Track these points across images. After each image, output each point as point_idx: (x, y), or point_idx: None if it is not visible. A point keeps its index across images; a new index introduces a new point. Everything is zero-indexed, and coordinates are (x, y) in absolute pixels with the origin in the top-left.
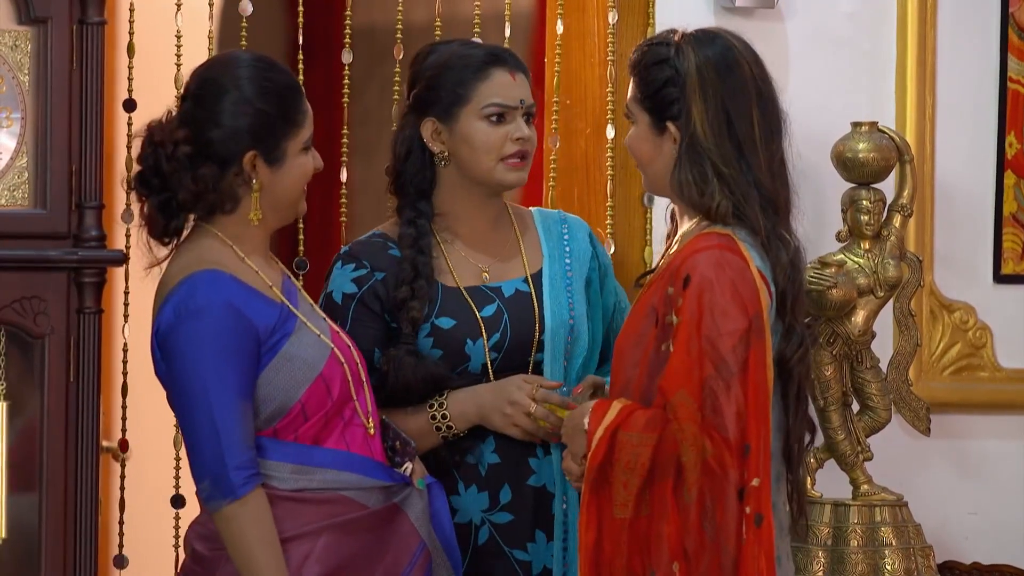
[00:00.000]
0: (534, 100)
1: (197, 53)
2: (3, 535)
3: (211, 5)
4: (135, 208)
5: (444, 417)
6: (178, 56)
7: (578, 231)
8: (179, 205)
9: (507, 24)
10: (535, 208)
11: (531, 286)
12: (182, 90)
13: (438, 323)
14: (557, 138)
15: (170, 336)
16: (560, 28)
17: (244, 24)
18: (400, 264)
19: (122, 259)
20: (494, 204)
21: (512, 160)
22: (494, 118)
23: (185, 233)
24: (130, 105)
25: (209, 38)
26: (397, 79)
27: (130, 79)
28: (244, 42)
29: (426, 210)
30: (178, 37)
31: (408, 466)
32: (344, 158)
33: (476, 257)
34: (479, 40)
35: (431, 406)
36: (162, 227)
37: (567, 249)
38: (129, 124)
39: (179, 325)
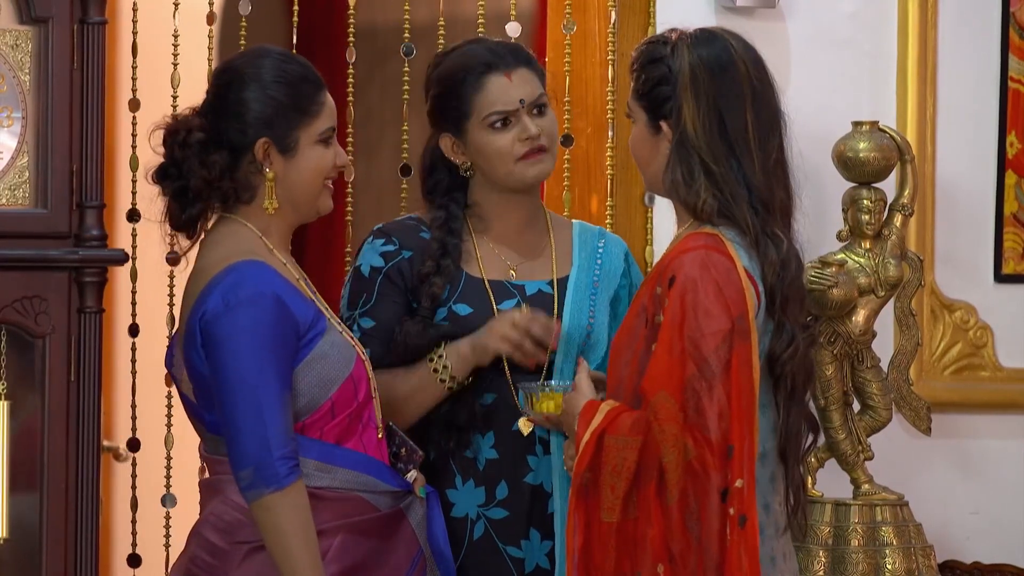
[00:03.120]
0: (543, 90)
1: (197, 53)
2: (4, 535)
3: (211, 4)
4: (152, 204)
5: (443, 366)
6: (175, 56)
7: (614, 247)
8: (193, 193)
9: (512, 22)
10: (577, 221)
11: (554, 289)
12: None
13: (455, 308)
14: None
15: (217, 323)
16: (573, 27)
17: (244, 24)
18: (429, 244)
19: (123, 259)
20: (527, 205)
21: (529, 156)
22: (498, 124)
23: (211, 224)
24: (135, 105)
25: (209, 37)
26: (407, 79)
27: (134, 79)
28: (243, 42)
29: (459, 198)
30: (175, 36)
31: (413, 473)
32: (351, 158)
33: (506, 254)
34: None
35: (431, 359)
36: (178, 216)
37: (599, 262)
38: (134, 124)
39: (227, 313)
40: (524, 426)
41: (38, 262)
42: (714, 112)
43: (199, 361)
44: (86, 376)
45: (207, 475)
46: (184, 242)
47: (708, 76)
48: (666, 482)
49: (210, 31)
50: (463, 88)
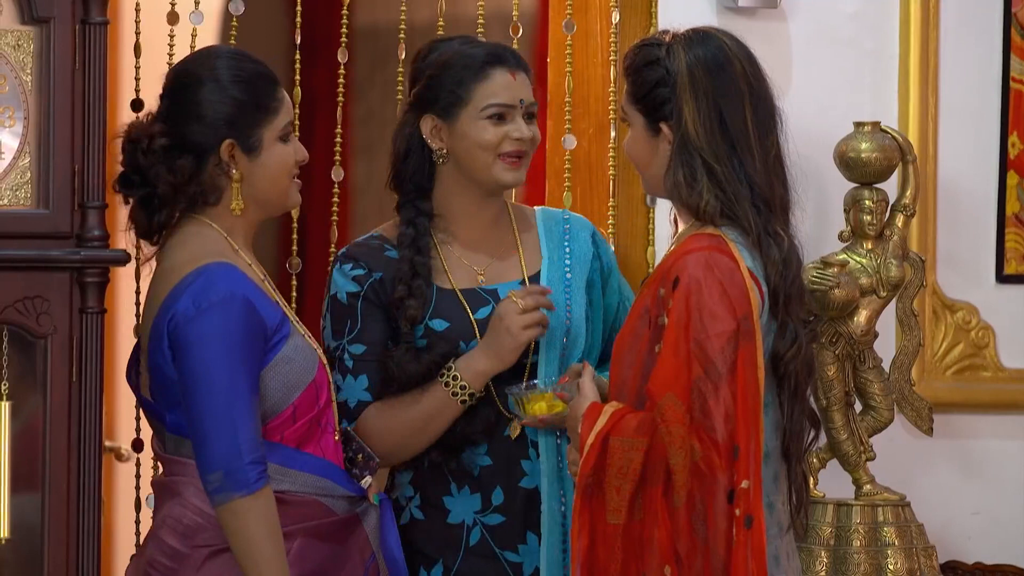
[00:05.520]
0: (535, 100)
1: None
2: (6, 535)
3: (196, 3)
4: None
5: (461, 386)
6: (171, 56)
7: (580, 231)
8: (160, 200)
9: (517, 24)
10: (539, 208)
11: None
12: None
13: (431, 325)
14: (574, 138)
15: (188, 326)
16: (573, 28)
17: (234, 23)
18: (398, 265)
19: (125, 259)
20: (493, 204)
21: (509, 159)
22: (494, 118)
23: (175, 224)
24: (137, 105)
25: (192, 36)
26: (401, 79)
27: (137, 79)
28: (235, 42)
29: (426, 209)
30: (176, 37)
31: (368, 480)
32: (337, 158)
33: (472, 259)
34: (482, 38)
35: (442, 377)
36: (145, 224)
37: (567, 250)
38: None
39: (199, 316)
40: (513, 430)
41: (40, 262)
42: (714, 111)
43: (164, 362)
44: (88, 377)
45: (161, 475)
46: (149, 247)
47: (706, 75)
48: (673, 483)
49: (194, 30)
50: (465, 74)
